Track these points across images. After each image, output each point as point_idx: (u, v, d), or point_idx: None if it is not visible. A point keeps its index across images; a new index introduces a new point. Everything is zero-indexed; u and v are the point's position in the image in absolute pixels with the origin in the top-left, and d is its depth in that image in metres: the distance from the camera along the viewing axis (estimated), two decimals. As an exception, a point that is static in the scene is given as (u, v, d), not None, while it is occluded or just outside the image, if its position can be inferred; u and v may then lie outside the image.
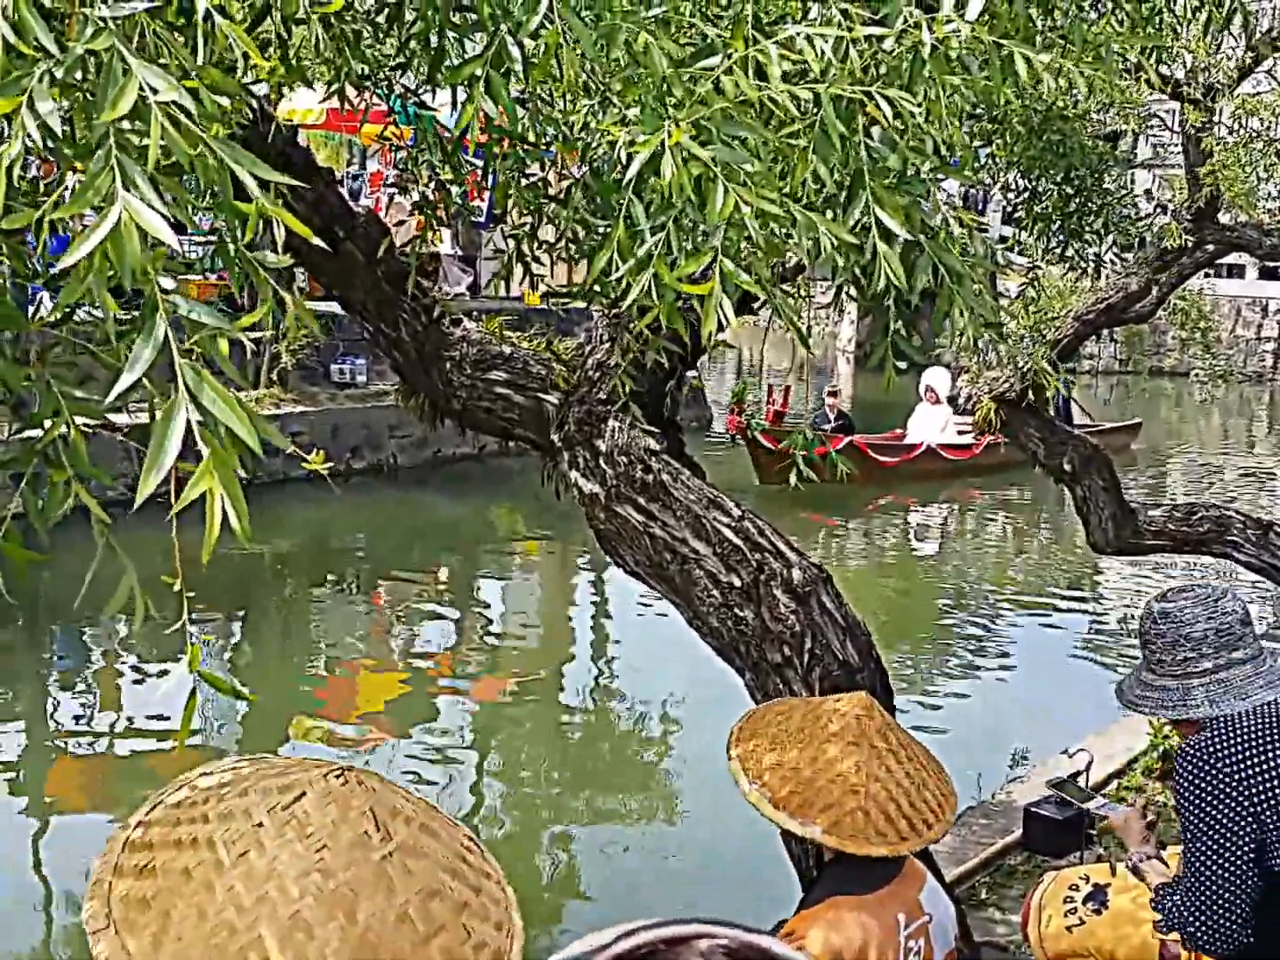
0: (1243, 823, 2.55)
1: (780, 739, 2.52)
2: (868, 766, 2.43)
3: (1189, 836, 2.62)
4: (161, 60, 1.27)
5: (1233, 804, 2.56)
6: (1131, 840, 3.05)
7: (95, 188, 1.10)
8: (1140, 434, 17.75)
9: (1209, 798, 2.58)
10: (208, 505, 1.32)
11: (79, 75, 1.17)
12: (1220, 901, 2.57)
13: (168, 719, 7.76)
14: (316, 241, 1.34)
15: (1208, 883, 2.57)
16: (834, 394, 15.58)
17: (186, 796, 1.27)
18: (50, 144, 1.17)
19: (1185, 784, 2.63)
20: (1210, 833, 2.57)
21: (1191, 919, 2.61)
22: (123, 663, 9.10)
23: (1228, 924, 2.58)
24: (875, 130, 1.76)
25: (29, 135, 1.12)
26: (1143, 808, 3.14)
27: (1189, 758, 2.64)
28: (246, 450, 1.31)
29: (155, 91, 1.11)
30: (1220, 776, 2.59)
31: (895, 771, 2.46)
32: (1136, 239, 5.64)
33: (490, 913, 1.24)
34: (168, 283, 1.15)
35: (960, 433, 15.68)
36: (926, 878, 2.56)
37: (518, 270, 3.23)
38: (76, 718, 8.32)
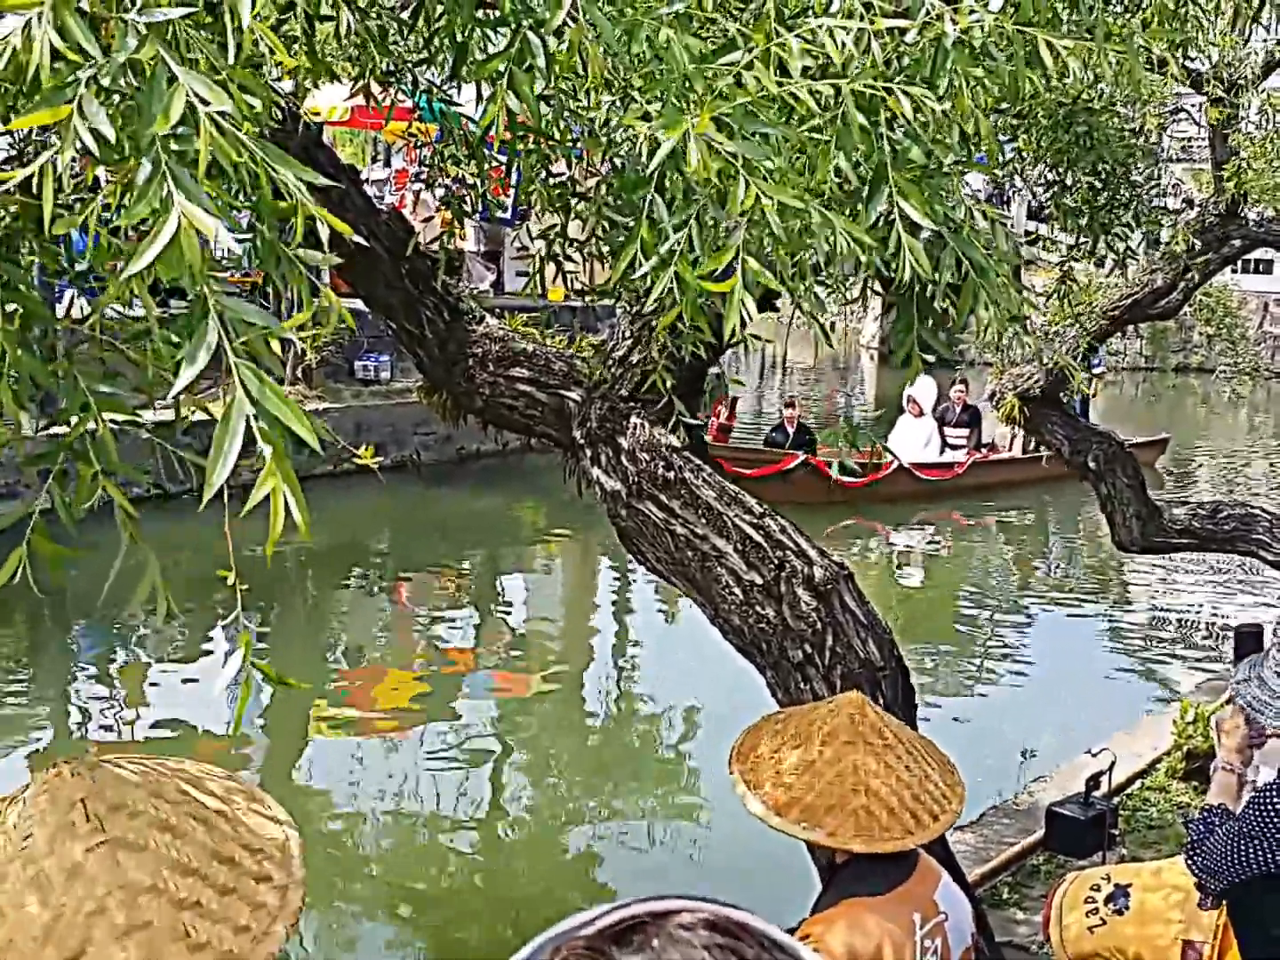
0: None
1: (778, 749, 2.52)
2: (866, 764, 2.44)
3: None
4: (191, 55, 1.28)
5: None
6: (1228, 742, 2.95)
7: (149, 195, 1.11)
8: (1168, 449, 16.29)
9: None
10: (272, 504, 1.34)
11: (122, 81, 1.18)
12: (1235, 865, 2.64)
13: (198, 712, 7.82)
14: (357, 239, 1.35)
15: (1242, 850, 2.62)
16: (790, 405, 14.28)
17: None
18: (98, 150, 1.18)
19: None
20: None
21: (1209, 856, 2.70)
22: (148, 656, 9.17)
23: (1225, 876, 2.67)
24: (898, 122, 1.76)
25: (80, 142, 1.13)
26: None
27: None
28: (298, 447, 1.32)
29: (206, 103, 1.12)
30: None
31: (895, 766, 2.46)
32: (1163, 233, 5.60)
33: (237, 915, 1.25)
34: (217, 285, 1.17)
35: (952, 447, 14.61)
36: (941, 876, 2.55)
37: (549, 269, 3.23)
38: (103, 712, 8.38)
